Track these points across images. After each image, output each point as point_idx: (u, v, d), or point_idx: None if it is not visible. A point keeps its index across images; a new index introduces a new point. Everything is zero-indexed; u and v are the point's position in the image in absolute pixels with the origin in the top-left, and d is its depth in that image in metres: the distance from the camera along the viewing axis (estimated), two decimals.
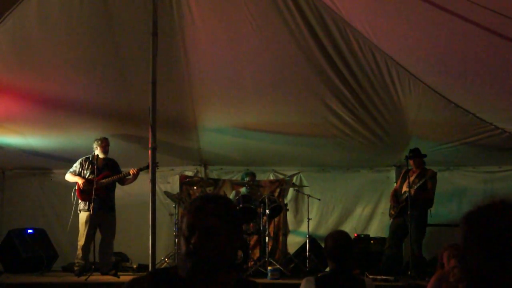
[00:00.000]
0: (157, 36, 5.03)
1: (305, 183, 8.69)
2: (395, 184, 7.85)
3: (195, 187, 8.32)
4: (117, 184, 7.12)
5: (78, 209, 6.78)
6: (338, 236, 3.43)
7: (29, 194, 8.63)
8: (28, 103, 6.64)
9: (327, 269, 3.51)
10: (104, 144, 6.88)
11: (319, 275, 3.54)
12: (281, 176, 8.94)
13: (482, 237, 1.39)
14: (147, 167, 6.66)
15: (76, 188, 6.81)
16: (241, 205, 7.11)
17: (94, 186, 6.53)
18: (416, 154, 6.91)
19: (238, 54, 6.18)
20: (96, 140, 6.91)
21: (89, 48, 6.01)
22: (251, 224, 7.35)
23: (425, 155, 6.95)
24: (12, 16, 5.36)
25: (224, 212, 1.76)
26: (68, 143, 7.71)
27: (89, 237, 6.70)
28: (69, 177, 6.92)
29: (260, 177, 8.68)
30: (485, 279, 1.35)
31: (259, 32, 5.74)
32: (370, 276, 6.27)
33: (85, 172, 6.87)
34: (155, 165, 5.00)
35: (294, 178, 8.84)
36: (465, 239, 1.43)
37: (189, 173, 8.80)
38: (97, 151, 6.88)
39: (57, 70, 6.26)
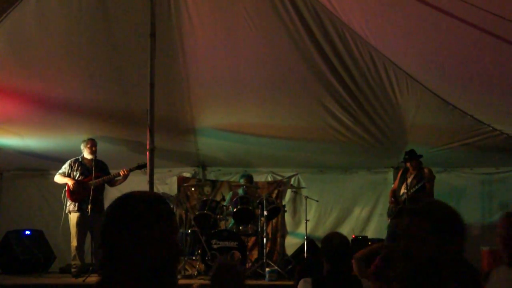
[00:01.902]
0: (155, 37, 5.03)
1: (303, 184, 8.70)
2: (393, 185, 7.85)
3: (193, 189, 8.33)
4: (117, 185, 7.11)
5: (68, 210, 6.78)
6: (334, 238, 3.43)
7: (27, 196, 8.63)
8: (26, 104, 6.64)
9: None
10: (90, 145, 6.88)
11: (316, 276, 3.53)
12: (279, 178, 8.94)
13: None
14: (138, 168, 6.72)
15: (66, 189, 6.81)
16: (239, 207, 7.11)
17: (92, 187, 6.55)
18: (412, 156, 6.91)
19: (236, 55, 6.18)
20: (83, 141, 6.94)
21: (87, 49, 6.01)
22: (249, 226, 7.35)
23: (421, 156, 6.96)
24: (10, 17, 5.35)
25: None
26: (66, 145, 7.70)
27: (82, 238, 6.71)
28: (58, 179, 6.92)
29: (258, 178, 8.68)
30: None
31: (257, 34, 5.74)
32: None
33: (74, 173, 6.87)
34: (153, 166, 5.01)
35: (292, 180, 8.84)
36: None
37: (187, 175, 8.81)
38: (85, 152, 6.88)
39: (55, 71, 6.26)
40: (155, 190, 5.22)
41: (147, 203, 1.57)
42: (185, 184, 8.33)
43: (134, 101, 6.53)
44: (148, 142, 5.00)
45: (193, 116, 7.21)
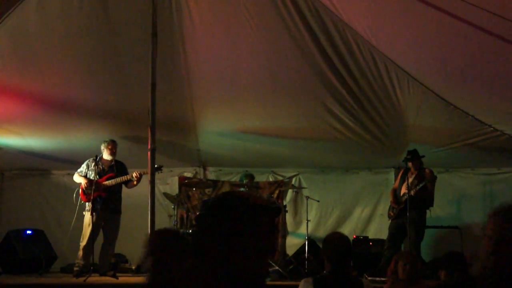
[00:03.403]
0: (156, 37, 5.03)
1: (304, 184, 8.69)
2: (393, 185, 7.84)
3: (194, 188, 8.33)
4: (132, 187, 7.07)
5: (85, 210, 6.78)
6: (336, 238, 3.43)
7: (28, 195, 8.63)
8: (28, 104, 6.64)
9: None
10: (111, 147, 6.88)
11: (317, 276, 3.54)
12: (280, 178, 8.94)
13: None
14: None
15: (80, 189, 6.81)
16: None
17: (93, 187, 6.54)
18: (414, 156, 6.92)
19: (237, 55, 6.18)
20: (104, 141, 6.91)
21: (89, 49, 6.01)
22: None
23: (423, 156, 6.96)
24: (12, 17, 5.36)
25: None
26: (67, 144, 7.71)
27: (91, 238, 6.69)
28: (76, 178, 6.94)
29: (259, 178, 8.68)
30: None
31: (258, 34, 5.75)
32: (369, 278, 6.28)
33: (90, 173, 6.87)
34: (154, 166, 5.00)
35: (293, 180, 8.84)
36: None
37: (188, 174, 8.80)
38: (104, 153, 6.88)
39: (57, 71, 6.26)
40: (156, 190, 5.21)
41: (251, 211, 1.48)
42: (186, 181, 8.31)
43: (135, 101, 6.53)
44: (149, 142, 5.00)
45: (194, 116, 7.21)
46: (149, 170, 5.01)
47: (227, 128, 7.54)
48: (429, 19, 4.77)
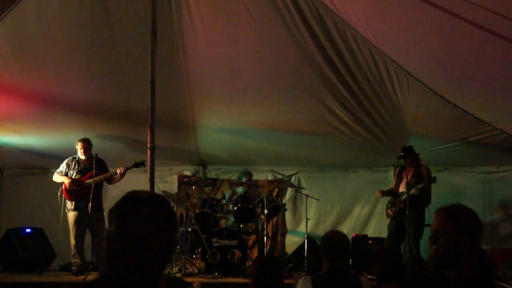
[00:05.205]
0: (156, 36, 5.03)
1: (303, 183, 8.70)
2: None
3: (193, 187, 8.33)
4: (116, 184, 7.11)
5: (66, 209, 6.78)
6: (334, 236, 3.43)
7: (27, 194, 8.64)
8: (27, 102, 6.64)
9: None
10: (81, 146, 6.84)
11: (316, 274, 3.54)
12: (279, 176, 8.95)
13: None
14: (135, 166, 6.72)
15: (63, 188, 6.80)
16: (239, 205, 7.12)
17: (93, 185, 6.54)
18: (408, 153, 6.86)
19: (236, 53, 6.17)
20: (77, 141, 6.90)
21: (88, 47, 6.00)
22: (250, 224, 7.35)
23: (418, 154, 6.93)
24: (11, 15, 5.36)
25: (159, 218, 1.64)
26: (66, 143, 7.68)
27: (80, 236, 6.71)
28: (56, 178, 6.92)
29: (258, 177, 8.69)
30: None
31: (258, 32, 5.74)
32: (368, 276, 6.28)
33: (71, 172, 6.86)
34: (153, 164, 5.00)
35: (293, 178, 8.85)
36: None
37: (188, 173, 8.81)
38: (78, 153, 6.88)
39: (56, 69, 6.26)
40: (155, 188, 5.21)
41: (132, 201, 1.65)
42: (185, 180, 8.31)
43: (135, 99, 6.53)
44: (148, 140, 5.00)
45: (193, 114, 7.21)
46: (148, 169, 5.01)
47: (226, 126, 7.54)
48: (428, 17, 4.77)
